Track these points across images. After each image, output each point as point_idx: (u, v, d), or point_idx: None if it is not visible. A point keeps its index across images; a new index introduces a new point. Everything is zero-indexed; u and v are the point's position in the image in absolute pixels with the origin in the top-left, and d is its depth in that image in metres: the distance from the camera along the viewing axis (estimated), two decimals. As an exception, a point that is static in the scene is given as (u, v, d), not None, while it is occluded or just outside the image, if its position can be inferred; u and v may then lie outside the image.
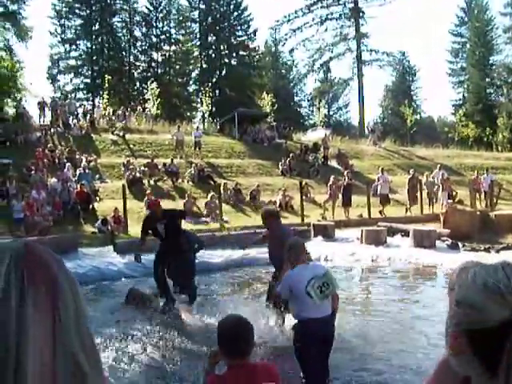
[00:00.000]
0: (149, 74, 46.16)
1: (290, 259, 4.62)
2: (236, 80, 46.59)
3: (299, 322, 4.43)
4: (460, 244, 12.43)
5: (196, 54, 49.73)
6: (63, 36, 45.67)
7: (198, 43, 49.41)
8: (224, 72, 48.83)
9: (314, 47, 49.49)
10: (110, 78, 31.80)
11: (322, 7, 47.04)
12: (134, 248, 8.65)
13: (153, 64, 48.44)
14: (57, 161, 19.75)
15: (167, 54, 47.75)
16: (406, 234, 13.37)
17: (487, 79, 49.64)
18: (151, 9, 47.65)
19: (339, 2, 46.88)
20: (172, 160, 21.02)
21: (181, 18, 49.29)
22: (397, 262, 11.56)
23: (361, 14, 46.66)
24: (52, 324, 0.74)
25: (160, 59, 48.22)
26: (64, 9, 45.26)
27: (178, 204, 16.21)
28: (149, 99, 32.92)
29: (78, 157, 20.16)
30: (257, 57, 51.42)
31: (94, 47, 46.14)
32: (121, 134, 23.93)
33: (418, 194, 18.62)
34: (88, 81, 46.15)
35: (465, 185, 22.00)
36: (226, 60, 49.55)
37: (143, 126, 26.93)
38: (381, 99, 60.30)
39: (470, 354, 0.85)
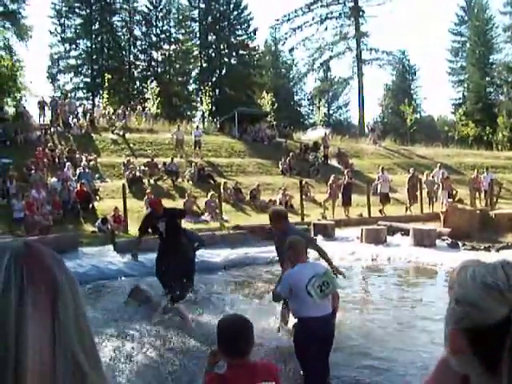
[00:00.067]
0: (149, 73, 46.19)
1: (290, 258, 4.62)
2: (236, 79, 46.60)
3: (299, 321, 4.43)
4: (460, 243, 12.42)
5: (196, 53, 49.67)
6: (63, 35, 45.65)
7: (198, 42, 49.37)
8: (224, 71, 48.82)
9: (314, 46, 49.57)
10: (109, 77, 31.72)
11: (321, 6, 47.06)
12: (132, 246, 8.73)
13: (153, 63, 48.42)
14: (57, 160, 19.74)
15: (167, 53, 47.72)
16: (406, 232, 13.37)
17: (487, 78, 49.61)
18: (151, 8, 47.63)
19: (339, 1, 46.88)
20: (172, 159, 21.02)
21: (181, 17, 49.26)
22: (397, 260, 11.56)
23: (361, 13, 46.68)
24: (51, 323, 0.74)
25: (160, 58, 48.19)
26: (64, 8, 45.23)
27: (178, 203, 16.19)
28: (149, 98, 32.93)
29: (77, 156, 20.16)
30: (257, 56, 51.41)
31: (93, 46, 46.10)
32: (121, 133, 23.92)
33: (418, 193, 18.60)
34: (88, 80, 46.11)
35: (465, 184, 21.99)
36: (226, 59, 49.52)
37: (143, 125, 26.92)
38: (381, 98, 60.34)
39: (469, 353, 0.85)
